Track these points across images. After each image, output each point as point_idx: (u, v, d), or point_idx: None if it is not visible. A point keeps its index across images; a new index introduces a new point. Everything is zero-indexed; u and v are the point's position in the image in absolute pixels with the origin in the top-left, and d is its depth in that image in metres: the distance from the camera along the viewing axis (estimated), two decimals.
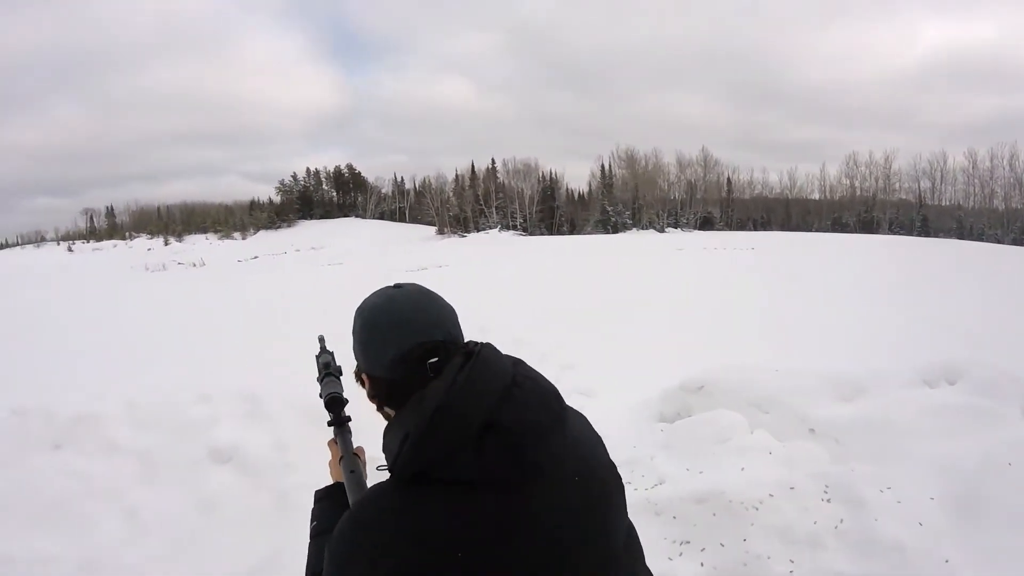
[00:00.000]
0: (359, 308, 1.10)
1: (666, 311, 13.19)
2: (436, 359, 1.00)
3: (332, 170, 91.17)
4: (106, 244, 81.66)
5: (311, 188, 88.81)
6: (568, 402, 1.06)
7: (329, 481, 1.37)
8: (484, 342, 1.04)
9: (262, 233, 78.98)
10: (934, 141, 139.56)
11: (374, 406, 1.11)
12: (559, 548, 0.91)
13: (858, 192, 69.62)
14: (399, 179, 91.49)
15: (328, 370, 1.54)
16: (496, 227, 70.12)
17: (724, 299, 13.78)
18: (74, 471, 3.90)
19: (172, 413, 4.23)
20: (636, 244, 44.12)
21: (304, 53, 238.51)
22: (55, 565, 3.23)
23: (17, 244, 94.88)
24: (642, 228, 66.00)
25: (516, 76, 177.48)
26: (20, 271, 44.25)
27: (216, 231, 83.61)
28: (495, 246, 48.23)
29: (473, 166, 78.20)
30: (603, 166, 75.04)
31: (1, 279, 35.18)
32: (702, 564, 2.60)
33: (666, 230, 64.85)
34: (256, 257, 49.16)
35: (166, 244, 76.66)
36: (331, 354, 1.60)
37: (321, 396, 1.48)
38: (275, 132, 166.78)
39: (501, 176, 76.29)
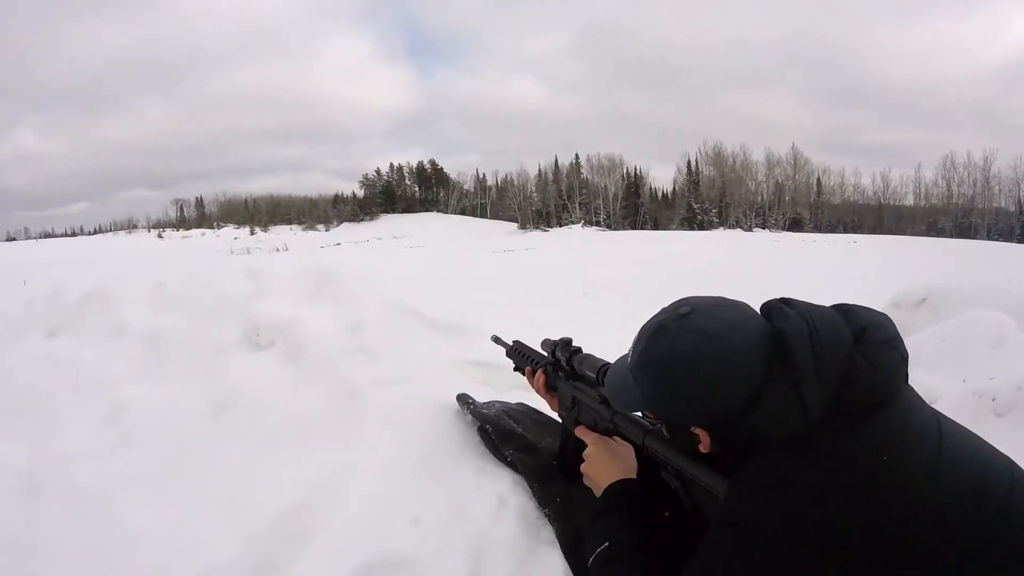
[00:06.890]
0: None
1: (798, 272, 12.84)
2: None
3: (415, 165, 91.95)
4: (194, 232, 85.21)
5: (394, 183, 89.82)
6: None
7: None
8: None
9: (345, 225, 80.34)
10: None
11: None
12: None
13: (955, 197, 64.67)
14: (481, 175, 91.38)
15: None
16: (579, 223, 68.67)
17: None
18: (58, 359, 2.64)
19: (205, 290, 2.92)
20: (727, 236, 42.20)
21: (381, 55, 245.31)
22: None
23: (111, 230, 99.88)
24: (729, 228, 63.40)
25: (589, 76, 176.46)
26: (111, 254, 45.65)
27: (300, 222, 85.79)
28: (580, 237, 47.18)
29: (557, 161, 77.12)
30: (689, 162, 72.24)
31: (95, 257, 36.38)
32: None
33: (753, 230, 61.90)
34: (339, 244, 49.37)
35: (252, 233, 79.03)
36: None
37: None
38: (358, 130, 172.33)
39: (585, 172, 74.85)
